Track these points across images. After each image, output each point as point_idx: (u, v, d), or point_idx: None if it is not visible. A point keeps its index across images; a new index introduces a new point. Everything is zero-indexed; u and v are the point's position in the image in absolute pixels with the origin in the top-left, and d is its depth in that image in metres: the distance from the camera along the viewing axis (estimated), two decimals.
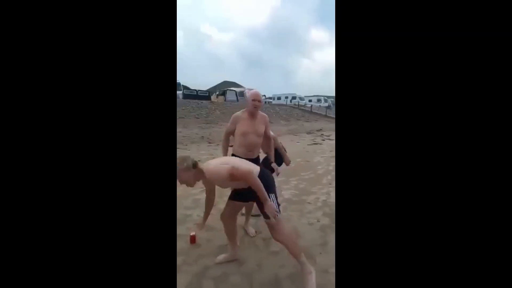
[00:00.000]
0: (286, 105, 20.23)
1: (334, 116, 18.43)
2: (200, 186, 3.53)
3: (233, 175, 1.32)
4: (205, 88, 21.04)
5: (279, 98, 23.89)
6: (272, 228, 1.44)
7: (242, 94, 18.26)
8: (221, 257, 1.74)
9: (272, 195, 1.44)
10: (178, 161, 1.34)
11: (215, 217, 2.40)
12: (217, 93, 19.57)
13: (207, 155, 5.32)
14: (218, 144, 6.85)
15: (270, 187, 1.45)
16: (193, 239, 1.96)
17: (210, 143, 7.11)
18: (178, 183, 1.34)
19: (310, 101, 22.66)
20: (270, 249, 1.90)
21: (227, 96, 17.73)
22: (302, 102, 21.52)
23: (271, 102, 22.82)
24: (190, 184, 1.42)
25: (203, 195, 3.06)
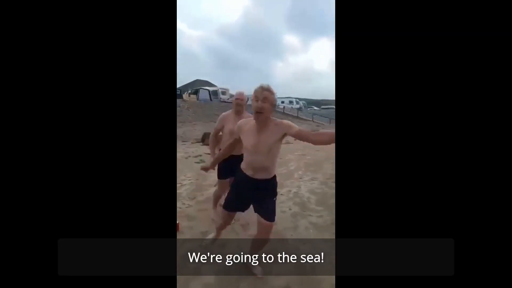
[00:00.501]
0: None
1: (305, 118, 19.20)
2: (186, 182, 3.57)
3: (299, 134, 1.36)
4: (176, 86, 20.40)
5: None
6: (264, 228, 1.53)
7: (215, 93, 18.00)
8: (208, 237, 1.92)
9: (275, 199, 1.51)
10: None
11: (194, 207, 2.56)
12: (189, 91, 19.13)
13: (183, 153, 5.35)
14: (192, 143, 6.86)
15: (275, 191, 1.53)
16: (177, 227, 2.09)
17: (184, 141, 7.08)
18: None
19: (282, 102, 23.20)
20: (248, 233, 2.12)
21: (199, 95, 17.44)
22: None
23: None
24: (265, 112, 1.33)
25: (183, 189, 3.18)
